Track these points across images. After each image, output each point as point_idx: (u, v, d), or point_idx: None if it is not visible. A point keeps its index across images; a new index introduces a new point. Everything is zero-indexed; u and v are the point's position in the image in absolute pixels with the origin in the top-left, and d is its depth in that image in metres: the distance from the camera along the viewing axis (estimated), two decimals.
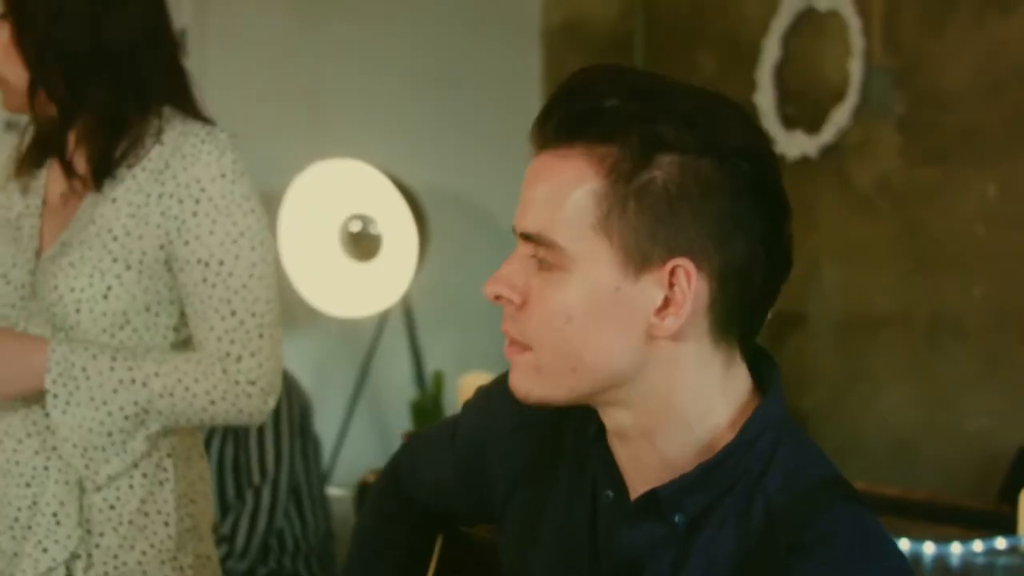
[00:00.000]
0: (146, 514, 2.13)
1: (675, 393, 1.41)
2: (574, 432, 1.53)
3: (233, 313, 2.11)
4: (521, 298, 1.41)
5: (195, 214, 2.10)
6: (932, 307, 4.14)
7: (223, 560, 3.55)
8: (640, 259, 1.37)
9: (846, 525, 1.37)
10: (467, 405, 1.70)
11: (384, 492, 1.76)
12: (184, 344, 2.18)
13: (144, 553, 2.13)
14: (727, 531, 1.40)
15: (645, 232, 1.36)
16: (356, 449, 4.60)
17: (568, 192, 1.38)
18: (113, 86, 2.13)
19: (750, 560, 1.37)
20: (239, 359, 2.11)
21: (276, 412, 3.65)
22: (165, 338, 2.16)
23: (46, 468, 2.12)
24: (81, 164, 2.16)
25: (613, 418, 1.45)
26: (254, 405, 2.13)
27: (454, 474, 1.67)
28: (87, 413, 2.09)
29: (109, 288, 2.11)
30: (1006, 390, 3.97)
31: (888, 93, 4.22)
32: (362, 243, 4.50)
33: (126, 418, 2.10)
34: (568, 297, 1.38)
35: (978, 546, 3.00)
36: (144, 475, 2.13)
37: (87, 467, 2.09)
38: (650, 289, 1.38)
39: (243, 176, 2.13)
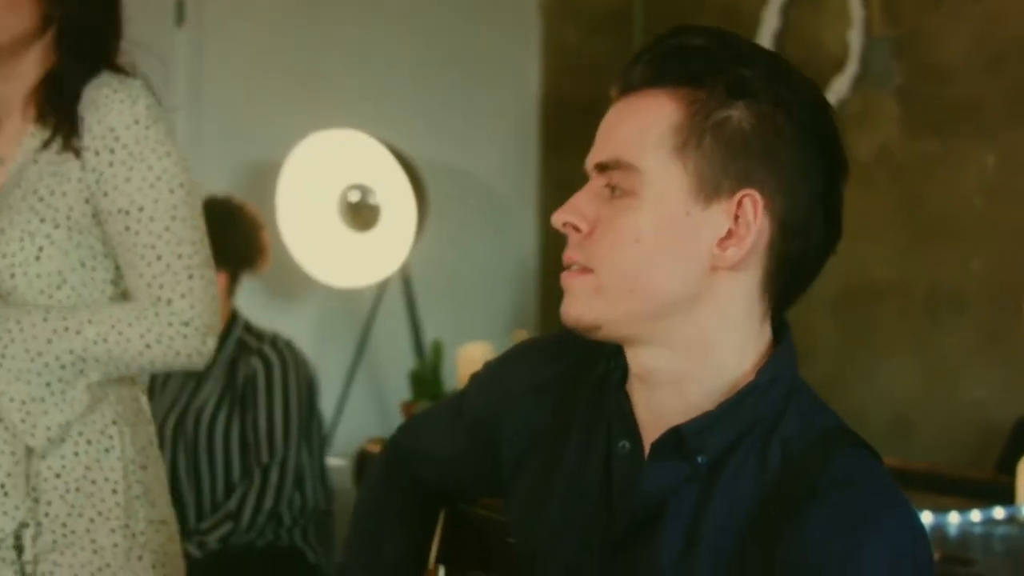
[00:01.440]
0: (93, 481, 2.13)
1: (718, 335, 1.46)
2: (591, 385, 1.56)
3: (159, 258, 2.11)
4: (589, 227, 1.46)
5: (111, 164, 2.10)
6: (931, 279, 4.14)
7: (227, 537, 3.56)
8: (712, 187, 1.43)
9: (862, 471, 1.42)
10: (474, 378, 1.71)
11: (385, 469, 1.76)
12: (123, 296, 2.18)
13: (92, 520, 2.12)
14: (746, 474, 1.43)
15: (719, 164, 1.43)
16: (355, 419, 4.61)
17: (650, 123, 1.44)
18: (71, 47, 2.14)
19: (769, 505, 1.41)
20: (170, 302, 2.10)
21: (285, 388, 3.64)
22: (104, 292, 2.16)
23: None
24: (17, 125, 2.16)
25: (646, 361, 1.48)
26: (191, 346, 2.12)
27: (463, 445, 1.68)
28: (23, 365, 2.08)
29: (40, 249, 2.11)
30: (1004, 362, 3.98)
31: (887, 63, 4.21)
32: (361, 213, 4.50)
33: (63, 367, 2.09)
34: (640, 220, 1.44)
35: (976, 516, 3.01)
36: (88, 442, 2.13)
37: (24, 421, 2.08)
38: (717, 217, 1.44)
39: (158, 122, 2.13)
